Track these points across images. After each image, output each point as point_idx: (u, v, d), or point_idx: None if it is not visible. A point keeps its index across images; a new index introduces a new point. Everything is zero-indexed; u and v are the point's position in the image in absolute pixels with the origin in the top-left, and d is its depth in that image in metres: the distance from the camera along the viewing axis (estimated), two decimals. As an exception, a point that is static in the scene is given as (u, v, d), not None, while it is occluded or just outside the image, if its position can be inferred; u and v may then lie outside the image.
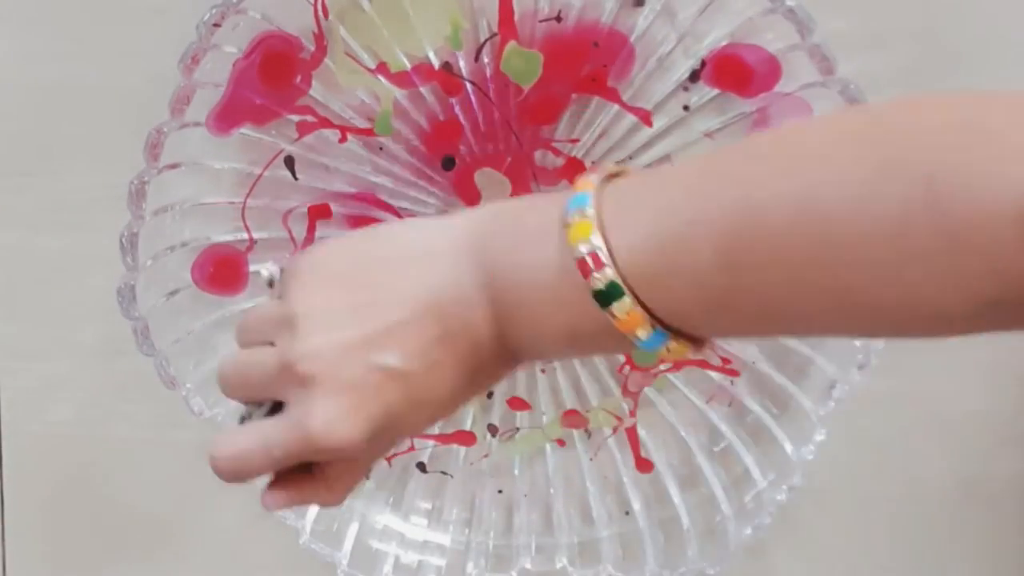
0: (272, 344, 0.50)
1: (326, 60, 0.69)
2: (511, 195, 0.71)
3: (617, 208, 0.46)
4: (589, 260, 0.45)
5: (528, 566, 0.76)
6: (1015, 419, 0.78)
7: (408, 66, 0.69)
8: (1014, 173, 0.38)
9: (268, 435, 0.50)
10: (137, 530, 0.81)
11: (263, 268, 0.54)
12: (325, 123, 0.70)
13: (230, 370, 0.52)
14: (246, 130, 0.69)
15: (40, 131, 0.75)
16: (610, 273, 0.45)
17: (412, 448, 0.76)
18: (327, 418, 0.48)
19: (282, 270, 0.52)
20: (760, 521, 0.73)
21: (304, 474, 0.51)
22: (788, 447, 0.73)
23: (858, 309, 0.43)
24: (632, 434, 0.75)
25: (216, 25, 0.67)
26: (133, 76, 0.73)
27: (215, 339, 0.73)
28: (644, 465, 0.75)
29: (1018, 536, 0.79)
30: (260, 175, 0.70)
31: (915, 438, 0.78)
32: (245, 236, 0.71)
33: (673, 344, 0.46)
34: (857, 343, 0.70)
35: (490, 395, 0.75)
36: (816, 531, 0.79)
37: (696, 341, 0.47)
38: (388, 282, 0.49)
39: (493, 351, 0.49)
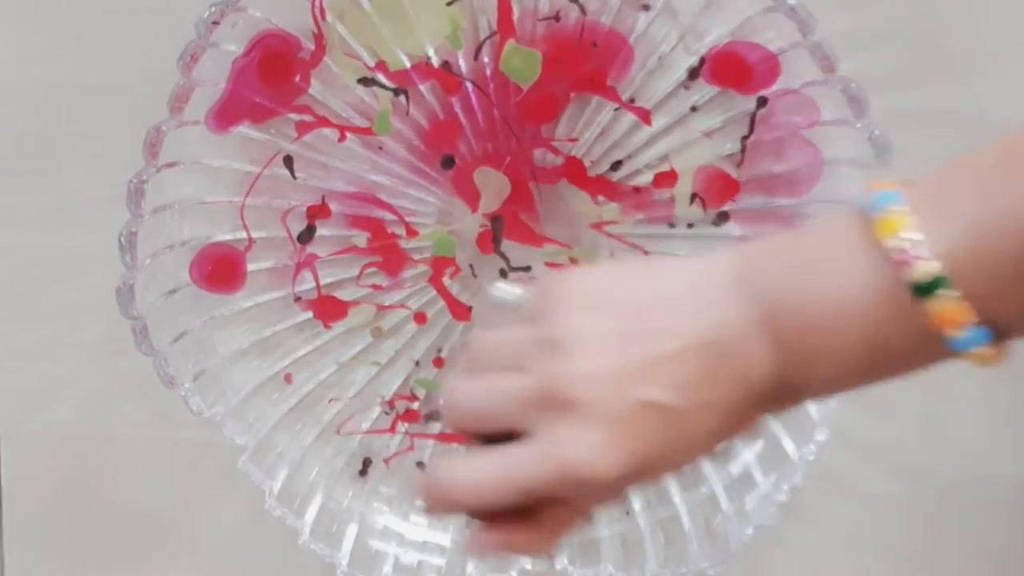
0: (520, 371, 0.47)
1: (326, 59, 0.69)
2: (511, 194, 0.71)
3: (927, 201, 0.44)
4: (909, 248, 0.43)
5: (528, 566, 0.75)
6: (1015, 419, 0.78)
7: (407, 65, 0.69)
8: None
9: (516, 463, 0.46)
10: (137, 530, 0.81)
11: (505, 290, 0.50)
12: (323, 122, 0.70)
13: (467, 397, 0.49)
14: (245, 129, 0.69)
15: (40, 131, 0.75)
16: (935, 266, 0.43)
17: (412, 447, 0.75)
18: (589, 449, 0.45)
19: (524, 293, 0.50)
20: (761, 521, 0.72)
21: (516, 519, 0.48)
22: (789, 447, 0.73)
23: None
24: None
25: (215, 23, 0.67)
26: (132, 75, 0.73)
27: (214, 338, 0.73)
28: None
29: (1018, 536, 0.79)
30: (259, 175, 0.70)
31: (915, 438, 0.78)
32: (244, 235, 0.71)
33: (986, 348, 0.44)
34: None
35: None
36: (816, 531, 0.79)
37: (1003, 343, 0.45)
38: (658, 314, 0.46)
39: (767, 391, 0.47)
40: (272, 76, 0.68)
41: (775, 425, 0.73)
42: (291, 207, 0.71)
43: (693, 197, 0.71)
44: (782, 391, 0.47)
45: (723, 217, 0.71)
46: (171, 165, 0.69)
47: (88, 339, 0.78)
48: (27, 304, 0.78)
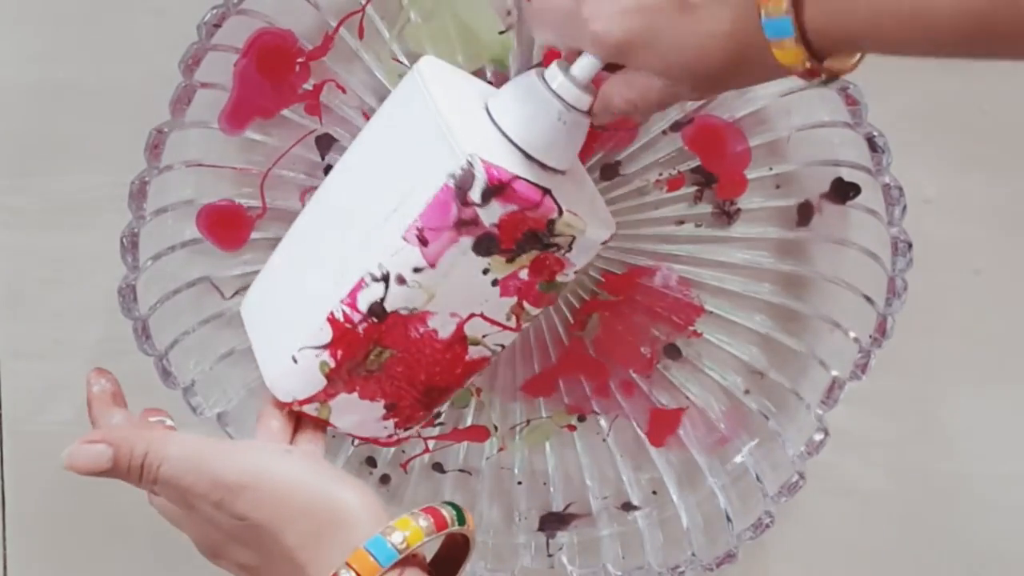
0: None
1: (359, 48, 0.69)
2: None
3: None
4: None
5: (528, 565, 0.76)
6: (1015, 419, 0.78)
7: None
8: None
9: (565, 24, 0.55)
10: (137, 530, 0.81)
11: None
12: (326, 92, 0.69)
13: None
14: (252, 131, 0.69)
15: (40, 131, 0.75)
16: None
17: (427, 450, 0.75)
18: (600, 12, 0.53)
19: None
20: (760, 521, 0.73)
21: None
22: (788, 447, 0.73)
23: None
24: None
25: (216, 26, 0.67)
26: (133, 76, 0.73)
27: (215, 339, 0.73)
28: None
29: (1017, 536, 0.80)
30: (286, 152, 0.70)
31: (915, 438, 0.78)
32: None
33: (793, 44, 0.48)
34: (856, 344, 0.70)
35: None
36: (816, 531, 0.79)
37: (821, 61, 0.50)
38: None
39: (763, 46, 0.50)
40: (272, 72, 0.68)
41: (774, 425, 0.73)
42: (310, 187, 0.70)
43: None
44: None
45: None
46: (173, 166, 0.69)
47: (89, 339, 0.78)
48: (28, 304, 0.78)
